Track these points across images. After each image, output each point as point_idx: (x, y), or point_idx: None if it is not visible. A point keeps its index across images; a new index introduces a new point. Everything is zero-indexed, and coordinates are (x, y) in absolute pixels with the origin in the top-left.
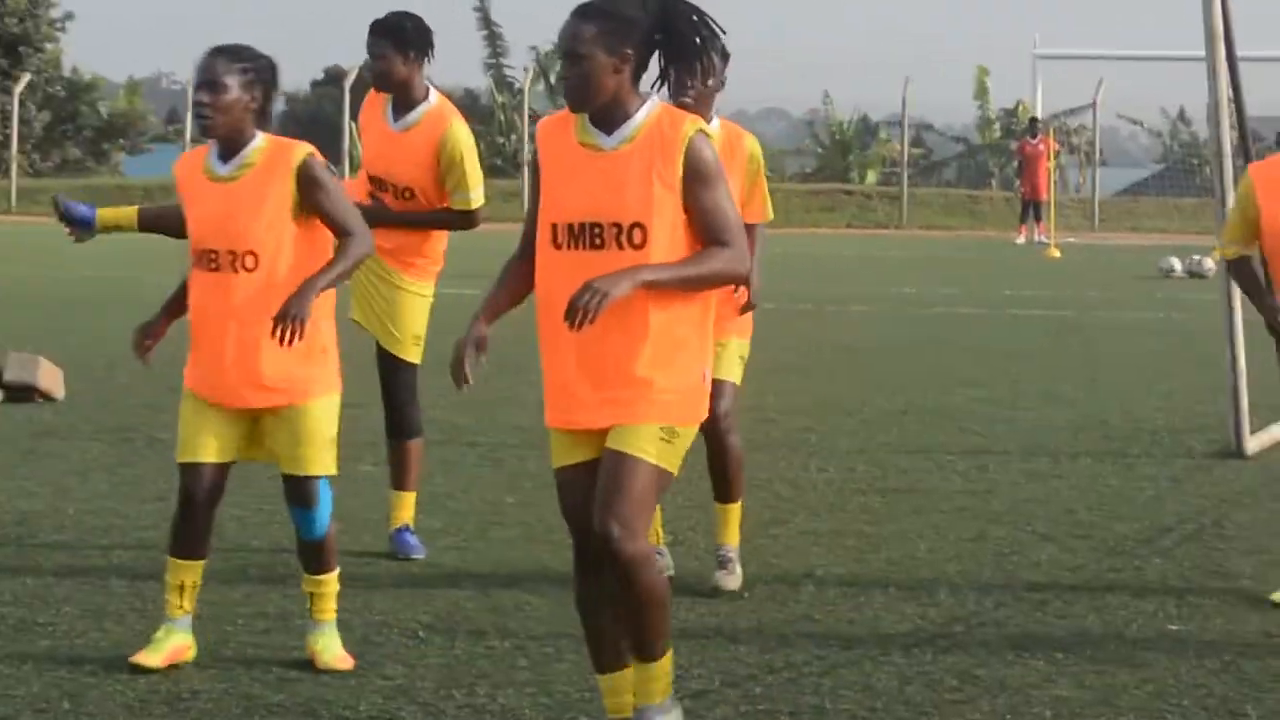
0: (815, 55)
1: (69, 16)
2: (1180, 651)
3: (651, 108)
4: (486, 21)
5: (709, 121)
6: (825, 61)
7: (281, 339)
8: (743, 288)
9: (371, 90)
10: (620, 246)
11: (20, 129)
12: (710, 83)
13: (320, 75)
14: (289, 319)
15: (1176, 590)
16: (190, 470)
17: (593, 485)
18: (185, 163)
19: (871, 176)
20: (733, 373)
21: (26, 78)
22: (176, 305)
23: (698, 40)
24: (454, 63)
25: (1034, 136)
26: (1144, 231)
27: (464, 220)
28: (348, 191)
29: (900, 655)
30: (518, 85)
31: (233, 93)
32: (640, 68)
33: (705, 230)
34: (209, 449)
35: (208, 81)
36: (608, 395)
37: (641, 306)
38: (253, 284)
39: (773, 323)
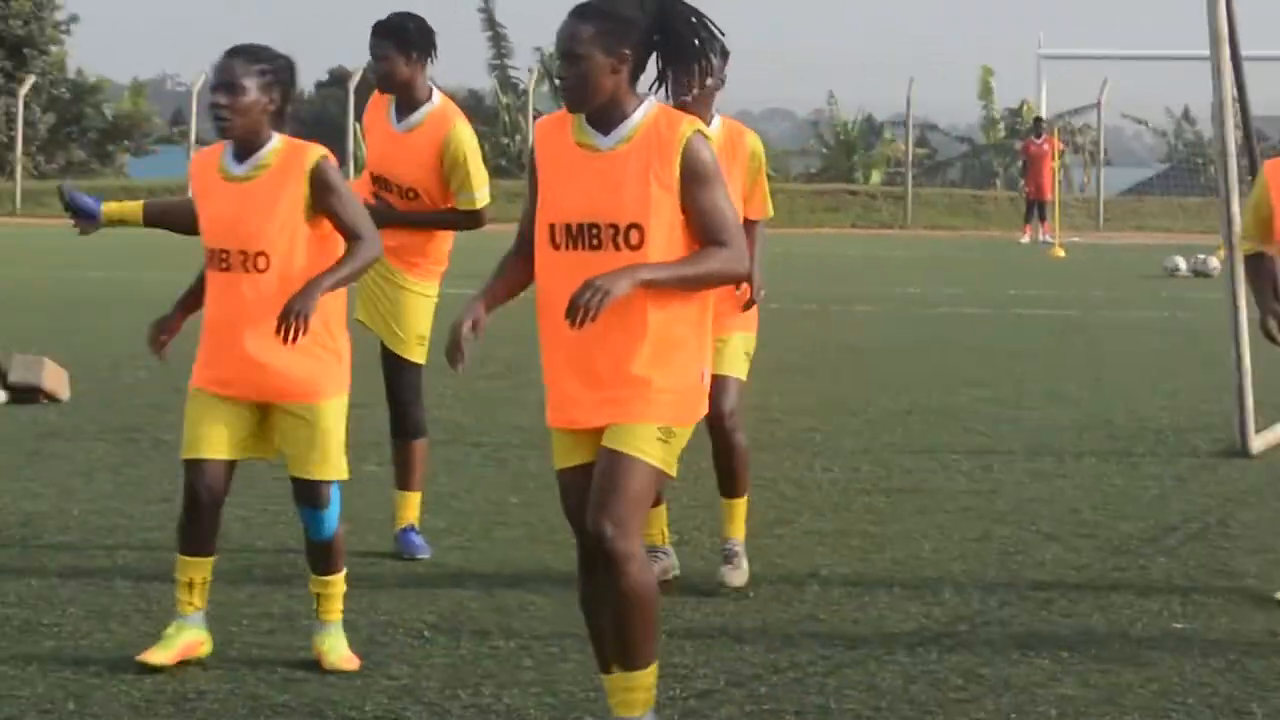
0: (820, 56)
1: (74, 19)
2: (1185, 650)
3: (649, 108)
4: (491, 22)
5: (710, 119)
6: (830, 62)
7: (286, 335)
8: (744, 284)
9: (375, 91)
10: (617, 247)
11: (25, 131)
12: (710, 81)
13: (325, 76)
14: (293, 315)
15: (1181, 589)
16: (195, 467)
17: None
18: (200, 161)
19: (876, 177)
20: (738, 369)
21: (31, 80)
22: (191, 300)
23: (696, 42)
24: (458, 63)
25: (1039, 136)
26: (1149, 231)
27: (470, 220)
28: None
29: (905, 654)
30: (522, 86)
31: (251, 94)
32: (638, 68)
33: (704, 230)
34: (214, 446)
35: (226, 83)
36: (606, 395)
37: (640, 306)
38: (264, 285)
39: (777, 323)
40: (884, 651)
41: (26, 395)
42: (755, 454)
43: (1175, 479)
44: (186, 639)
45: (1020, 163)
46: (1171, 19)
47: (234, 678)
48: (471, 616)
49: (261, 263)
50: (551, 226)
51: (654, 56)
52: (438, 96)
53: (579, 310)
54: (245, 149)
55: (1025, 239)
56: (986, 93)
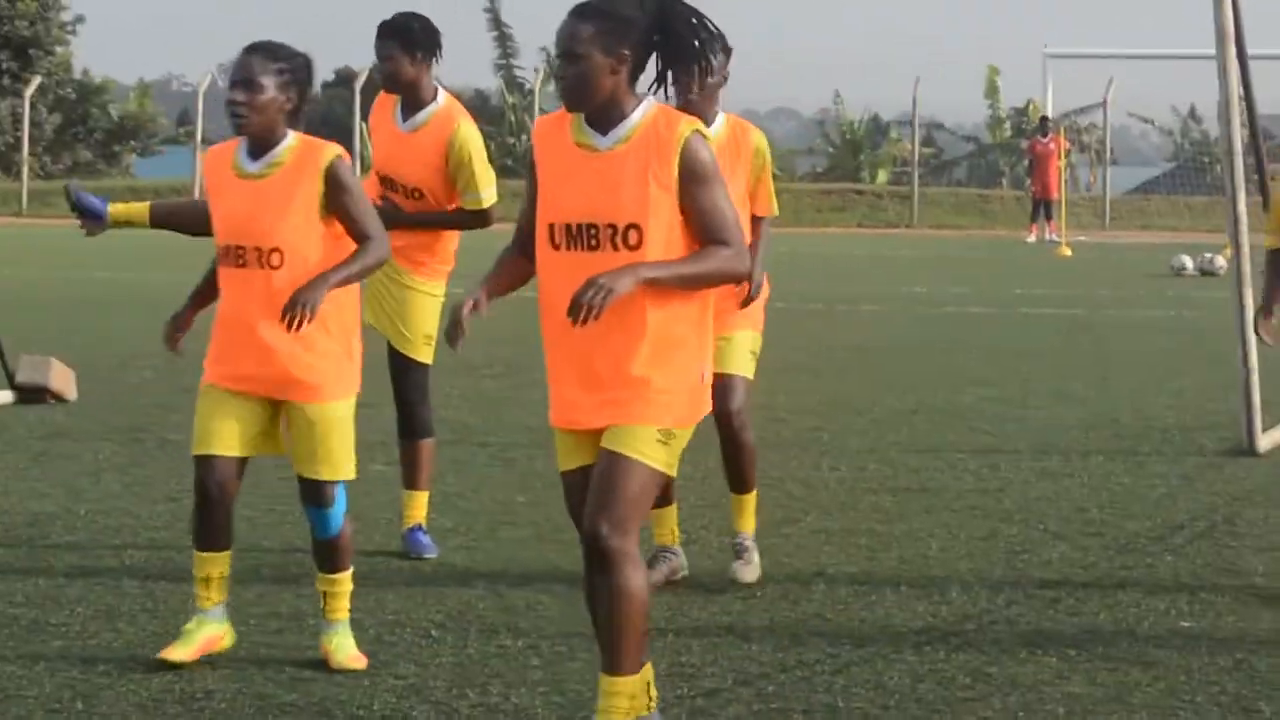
0: (826, 55)
1: (79, 19)
2: (1192, 649)
3: (648, 108)
4: (497, 22)
5: (714, 116)
6: (835, 61)
7: (290, 324)
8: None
9: (381, 91)
10: (615, 248)
11: (31, 131)
12: (712, 79)
13: (331, 77)
14: (299, 306)
15: (1188, 588)
16: (206, 463)
17: None
18: (214, 157)
19: (882, 176)
20: (744, 367)
21: (37, 80)
22: (203, 295)
23: (696, 43)
24: (464, 63)
25: (1045, 135)
26: (1155, 230)
27: (477, 220)
28: None
29: (912, 653)
30: (528, 86)
31: (268, 92)
32: (637, 68)
33: (704, 230)
34: (225, 442)
35: (244, 80)
36: (606, 396)
37: (639, 305)
38: (278, 281)
39: (783, 322)
40: (891, 650)
41: (33, 395)
42: (761, 453)
43: (1182, 478)
44: (207, 634)
45: (1026, 162)
46: (1177, 18)
47: (242, 677)
48: (479, 616)
49: (275, 259)
50: (551, 226)
51: (654, 57)
52: (443, 96)
53: (581, 308)
54: (260, 146)
55: (1031, 238)
56: (992, 92)
